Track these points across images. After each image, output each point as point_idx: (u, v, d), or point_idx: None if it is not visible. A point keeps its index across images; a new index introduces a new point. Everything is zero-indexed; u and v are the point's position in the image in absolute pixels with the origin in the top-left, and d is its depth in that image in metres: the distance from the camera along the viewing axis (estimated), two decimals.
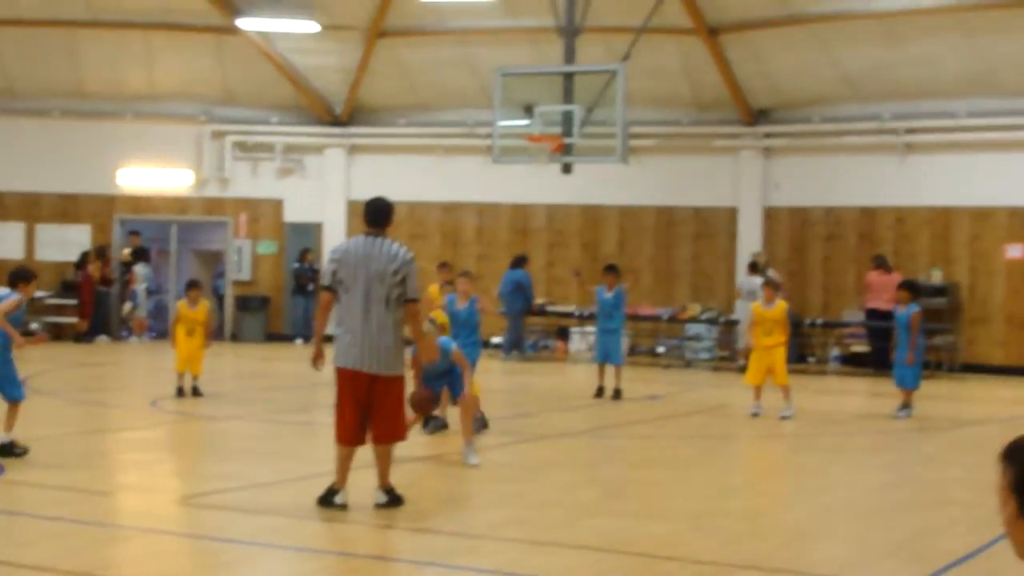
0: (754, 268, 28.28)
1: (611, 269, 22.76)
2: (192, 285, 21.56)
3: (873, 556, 10.62)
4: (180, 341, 20.67)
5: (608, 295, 22.29)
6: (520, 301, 29.84)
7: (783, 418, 19.36)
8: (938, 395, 23.76)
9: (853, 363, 28.89)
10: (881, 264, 28.18)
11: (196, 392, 20.73)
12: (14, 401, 14.46)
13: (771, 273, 27.86)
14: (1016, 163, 28.07)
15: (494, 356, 29.72)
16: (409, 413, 12.69)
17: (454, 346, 15.15)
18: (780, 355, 19.84)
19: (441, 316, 17.78)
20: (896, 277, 27.37)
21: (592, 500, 12.82)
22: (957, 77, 28.23)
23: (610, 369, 22.20)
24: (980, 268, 28.70)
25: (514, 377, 27.03)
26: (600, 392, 22.10)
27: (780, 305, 20.04)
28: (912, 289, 20.88)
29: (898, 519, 12.37)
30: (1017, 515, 3.45)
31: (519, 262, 30.04)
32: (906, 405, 20.09)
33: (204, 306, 21.13)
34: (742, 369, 27.81)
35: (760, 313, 20.01)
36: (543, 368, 28.58)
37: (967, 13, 26.84)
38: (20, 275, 14.80)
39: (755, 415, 19.62)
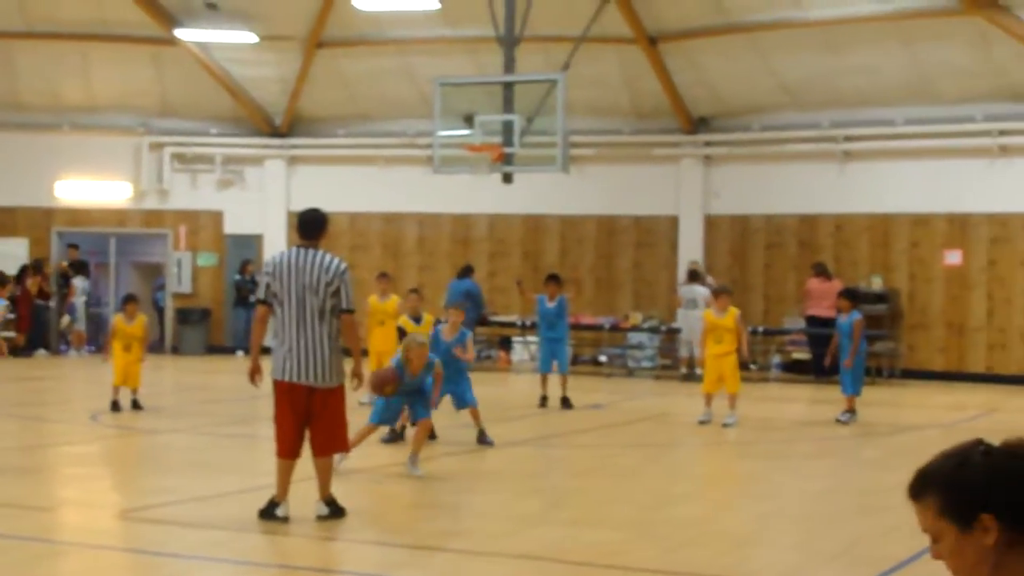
0: (693, 276, 28.37)
1: (553, 278, 22.76)
2: (129, 299, 21.42)
3: (815, 562, 10.64)
4: (117, 355, 20.52)
5: (550, 304, 22.29)
6: (472, 311, 29.74)
7: (725, 425, 19.38)
8: (879, 401, 23.87)
9: (794, 370, 29.00)
10: (821, 271, 28.31)
11: (136, 406, 20.57)
12: None
13: (710, 281, 27.95)
14: (954, 170, 28.26)
15: None
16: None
17: (437, 360, 15.07)
18: (731, 363, 19.90)
19: (410, 325, 18.04)
20: (836, 284, 27.51)
21: (534, 510, 12.79)
22: (895, 85, 28.40)
23: (553, 378, 22.17)
24: (919, 275, 28.87)
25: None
26: (544, 401, 22.08)
27: (731, 313, 20.10)
28: (852, 297, 21.02)
29: (839, 525, 12.41)
30: (958, 537, 3.44)
31: (467, 272, 29.97)
32: (849, 410, 20.28)
33: (141, 321, 20.99)
34: (684, 377, 27.95)
35: (712, 321, 20.09)
36: (486, 378, 28.48)
37: (905, 22, 27.00)
38: None
39: (703, 423, 19.63)
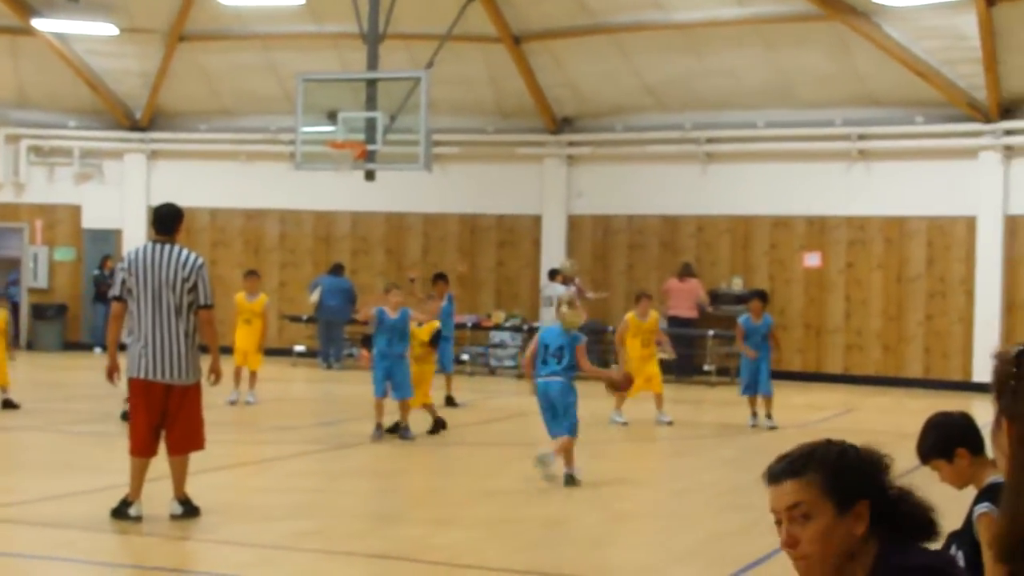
0: (553, 275, 28.51)
1: (441, 277, 22.71)
2: None
3: (670, 560, 10.69)
4: None
5: (442, 303, 22.28)
6: (347, 309, 29.52)
7: (669, 424, 19.97)
8: (738, 401, 24.06)
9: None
10: (685, 272, 28.44)
11: (9, 404, 20.16)
12: None
13: (579, 282, 28.05)
14: (813, 173, 28.62)
15: (312, 365, 29.48)
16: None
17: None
18: (655, 364, 20.48)
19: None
20: (692, 284, 27.76)
21: (392, 509, 12.73)
22: (757, 88, 28.70)
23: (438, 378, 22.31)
24: (779, 276, 29.20)
25: (318, 385, 26.82)
26: (451, 401, 22.10)
27: (653, 316, 20.54)
28: (764, 299, 21.37)
29: (696, 523, 12.49)
30: (834, 518, 3.53)
31: (339, 269, 29.78)
32: (768, 413, 20.37)
33: (2, 316, 20.63)
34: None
35: (636, 324, 20.39)
36: (347, 376, 28.36)
37: (766, 26, 27.29)
38: None
39: (624, 423, 19.96)
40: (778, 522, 3.60)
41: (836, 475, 3.57)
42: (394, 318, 17.92)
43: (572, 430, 14.48)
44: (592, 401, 19.59)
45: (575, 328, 14.76)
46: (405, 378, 17.84)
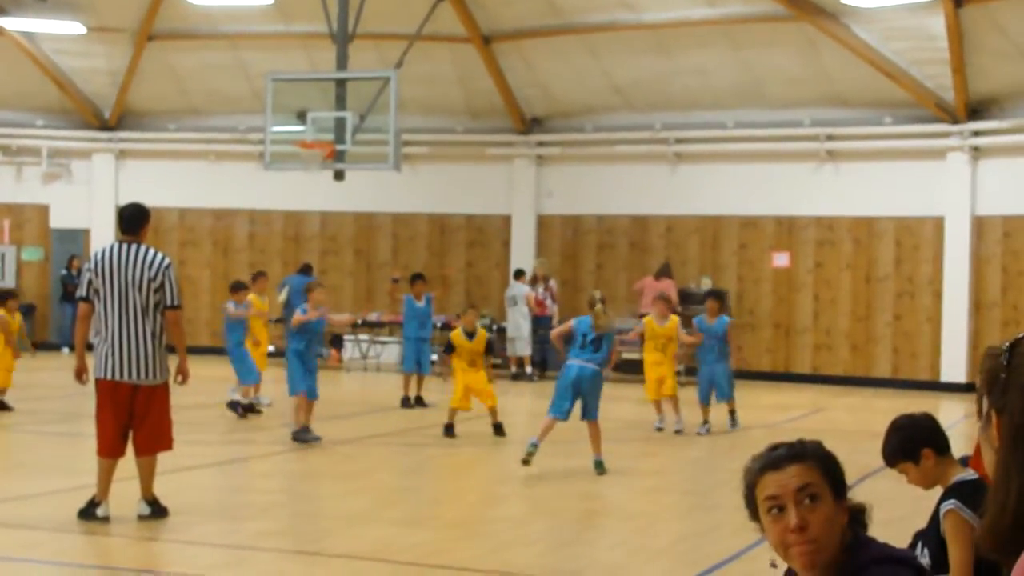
0: (519, 275, 28.58)
1: (419, 277, 22.73)
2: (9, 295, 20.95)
3: (639, 560, 10.70)
4: None
5: (420, 304, 22.27)
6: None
7: (677, 432, 19.24)
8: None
9: (625, 370, 29.15)
10: (662, 272, 28.34)
11: (3, 407, 20.09)
12: None
13: (552, 284, 28.07)
14: (782, 173, 28.69)
15: (279, 364, 29.35)
16: None
17: None
18: (670, 368, 19.66)
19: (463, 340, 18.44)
20: (666, 284, 27.75)
21: (360, 509, 12.70)
22: (725, 89, 28.76)
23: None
24: (748, 276, 29.27)
25: (286, 386, 26.69)
26: (407, 402, 22.07)
27: (673, 320, 19.70)
28: (720, 298, 20.85)
29: (664, 523, 12.50)
30: (834, 504, 3.65)
31: (307, 269, 29.66)
32: (732, 411, 19.86)
33: (17, 319, 20.68)
34: (515, 377, 28.03)
35: (653, 328, 19.64)
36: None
37: (734, 26, 27.35)
38: None
39: (659, 429, 19.53)
40: (777, 508, 3.62)
41: (829, 465, 3.69)
42: (315, 320, 18.05)
43: (596, 415, 15.31)
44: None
45: (606, 329, 15.38)
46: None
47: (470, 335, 18.47)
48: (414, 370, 22.41)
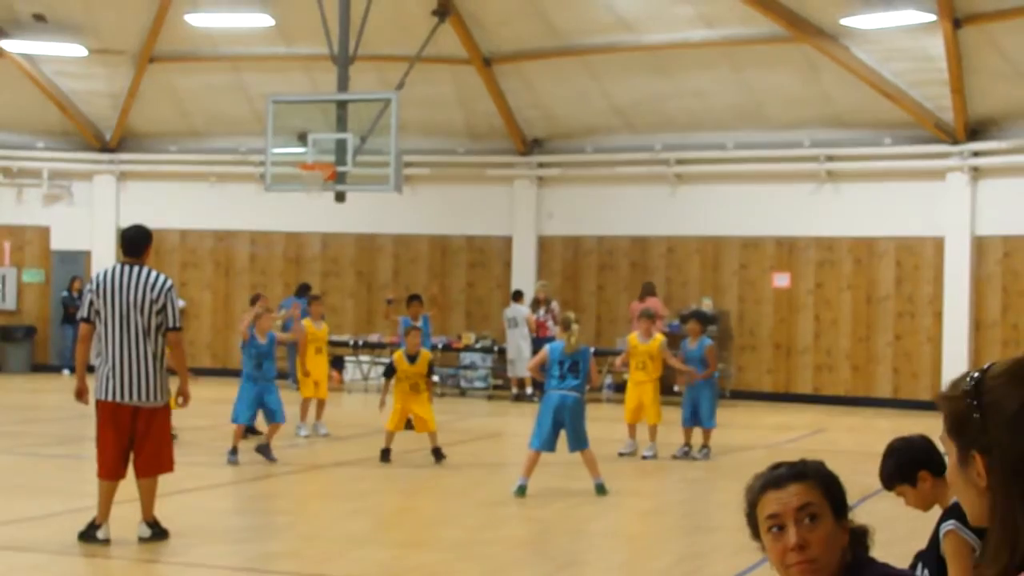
0: (517, 296, 28.60)
1: (416, 298, 22.66)
2: None
3: None
4: None
5: (417, 324, 22.07)
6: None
7: (644, 458, 18.71)
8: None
9: (624, 390, 29.14)
10: (646, 291, 28.28)
11: None
12: None
13: (555, 306, 28.05)
14: (782, 194, 28.73)
15: (282, 386, 29.32)
16: None
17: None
18: (651, 391, 18.92)
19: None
20: (651, 302, 27.70)
21: (362, 530, 12.71)
22: (725, 110, 28.80)
23: None
24: (748, 296, 29.28)
25: (288, 408, 26.67)
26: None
27: (657, 339, 19.05)
28: (703, 319, 20.00)
29: (664, 545, 12.50)
30: (834, 524, 3.65)
31: (307, 290, 29.61)
32: (706, 444, 19.02)
33: None
34: (516, 398, 28.04)
35: (635, 346, 19.11)
36: None
37: (734, 48, 27.40)
38: None
39: (623, 454, 18.88)
40: (778, 527, 3.63)
41: (831, 485, 3.71)
42: (263, 342, 17.95)
43: (587, 442, 15.27)
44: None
45: (576, 348, 15.30)
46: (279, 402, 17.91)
47: (412, 358, 18.12)
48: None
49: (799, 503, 3.61)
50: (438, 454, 17.87)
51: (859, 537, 3.74)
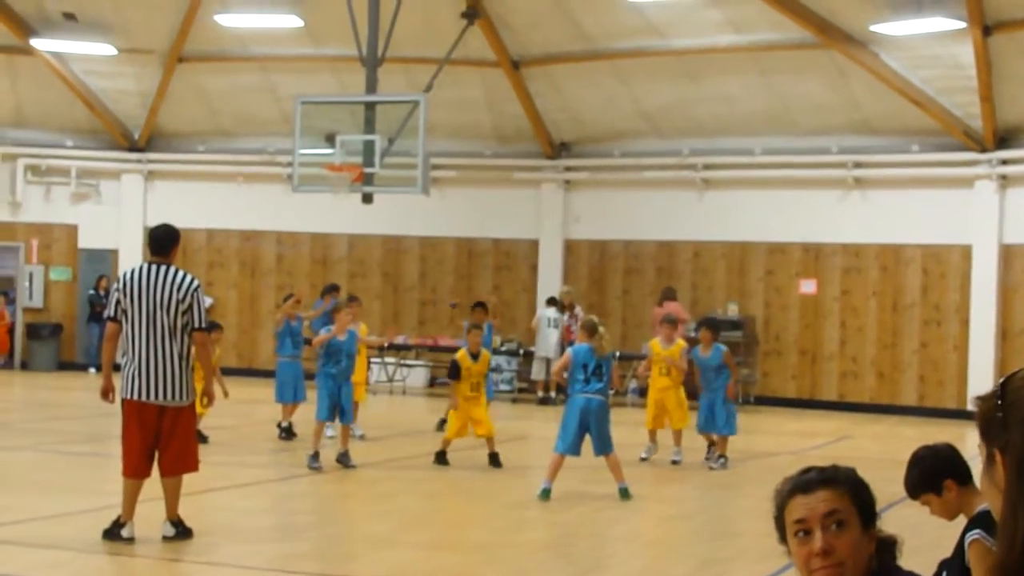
0: (551, 302, 28.55)
1: (480, 305, 22.65)
2: None
3: None
4: None
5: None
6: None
7: (674, 463, 18.57)
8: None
9: (644, 395, 29.10)
10: (665, 296, 28.18)
11: None
12: None
13: (578, 311, 28.00)
14: (809, 200, 28.67)
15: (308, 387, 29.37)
16: None
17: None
18: (675, 397, 18.85)
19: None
20: (672, 307, 27.68)
21: (386, 531, 12.71)
22: (753, 115, 28.75)
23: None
24: (774, 302, 29.23)
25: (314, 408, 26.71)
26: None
27: (678, 345, 18.91)
28: (714, 328, 19.47)
29: (688, 549, 12.47)
30: (861, 531, 3.63)
31: (334, 290, 29.48)
32: (723, 454, 18.66)
33: None
34: (541, 401, 28.03)
35: (657, 352, 18.99)
36: None
37: (762, 53, 27.35)
38: None
39: (644, 459, 18.78)
40: (804, 532, 3.61)
41: (860, 492, 3.69)
42: (343, 339, 17.91)
43: (611, 446, 15.35)
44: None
45: (605, 352, 15.34)
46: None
47: (474, 356, 18.12)
48: (491, 398, 21.90)
49: (826, 509, 3.60)
50: (495, 459, 17.87)
51: (887, 546, 3.72)
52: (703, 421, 18.83)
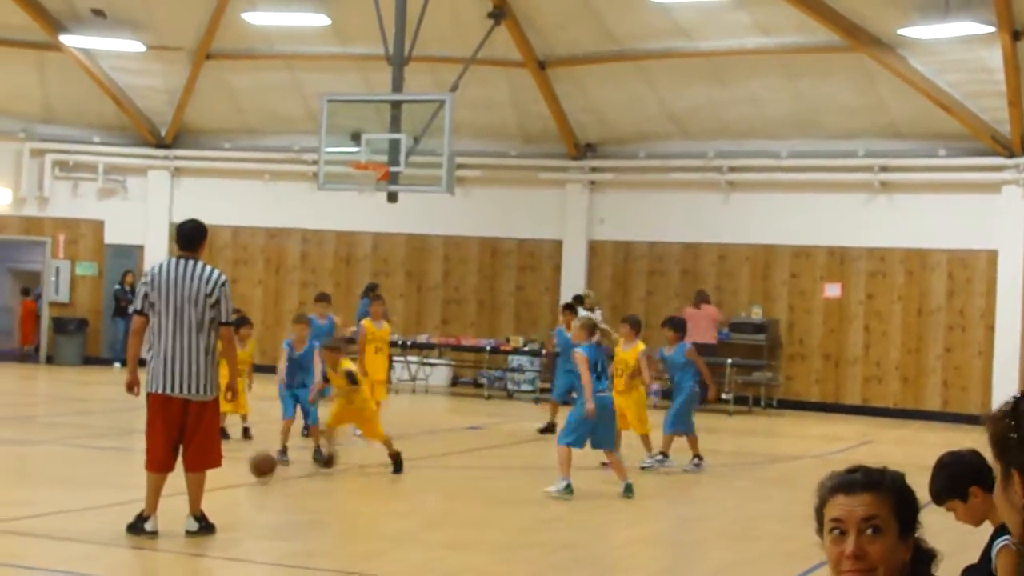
0: (578, 300, 28.48)
1: (571, 308, 22.58)
2: None
3: None
4: None
5: (568, 334, 21.25)
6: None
7: (642, 468, 17.71)
8: (755, 431, 24.05)
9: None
10: (700, 299, 28.38)
11: None
12: None
13: (596, 314, 27.92)
14: (834, 203, 28.61)
15: None
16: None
17: None
18: (634, 400, 17.89)
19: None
20: (708, 310, 27.67)
21: (407, 530, 12.72)
22: (780, 118, 28.71)
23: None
24: (798, 306, 29.17)
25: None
26: (552, 428, 21.18)
27: (636, 347, 18.02)
28: (676, 326, 19.01)
29: (709, 551, 12.46)
30: (896, 539, 3.59)
31: (373, 289, 29.25)
32: (696, 454, 18.22)
33: None
34: (564, 402, 27.97)
35: (617, 354, 18.12)
36: None
37: (790, 56, 27.30)
38: None
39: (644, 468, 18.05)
40: (839, 531, 3.59)
41: (903, 500, 3.64)
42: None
43: (614, 443, 15.57)
44: None
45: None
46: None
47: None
48: (563, 399, 21.89)
49: (865, 514, 3.57)
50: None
51: (924, 556, 3.69)
52: (668, 422, 18.35)
